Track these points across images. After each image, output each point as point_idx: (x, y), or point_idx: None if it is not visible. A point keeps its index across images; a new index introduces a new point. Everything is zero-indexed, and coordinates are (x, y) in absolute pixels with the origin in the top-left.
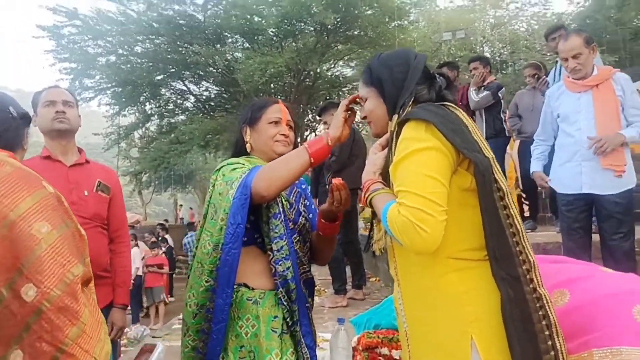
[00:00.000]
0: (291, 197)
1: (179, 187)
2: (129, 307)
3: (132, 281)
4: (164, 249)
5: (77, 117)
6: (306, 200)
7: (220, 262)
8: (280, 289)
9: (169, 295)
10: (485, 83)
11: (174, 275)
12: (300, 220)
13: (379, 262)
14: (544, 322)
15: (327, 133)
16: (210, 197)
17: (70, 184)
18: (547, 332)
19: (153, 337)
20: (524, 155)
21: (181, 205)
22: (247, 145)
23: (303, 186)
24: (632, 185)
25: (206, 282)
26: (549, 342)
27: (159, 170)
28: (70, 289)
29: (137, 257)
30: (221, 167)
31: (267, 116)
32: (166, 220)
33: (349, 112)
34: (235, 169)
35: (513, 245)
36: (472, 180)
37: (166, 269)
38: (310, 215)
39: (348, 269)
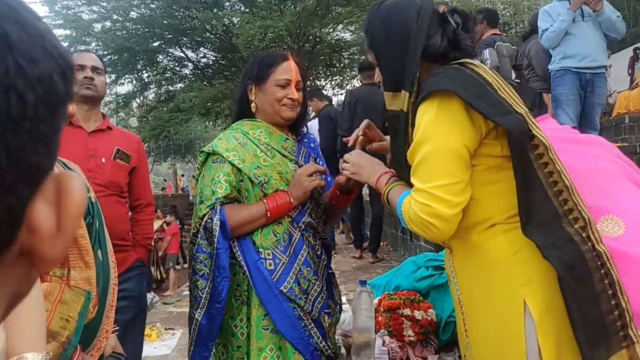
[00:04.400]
0: (300, 158)
1: (178, 156)
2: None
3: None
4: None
5: (105, 84)
6: (317, 159)
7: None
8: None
9: (183, 262)
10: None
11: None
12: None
13: (386, 227)
14: (606, 281)
15: (291, 193)
16: (197, 183)
17: (89, 151)
18: (610, 292)
19: (164, 303)
20: None
21: (182, 175)
22: (252, 105)
23: (312, 144)
24: None
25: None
26: (613, 302)
27: (159, 139)
28: None
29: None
30: (208, 154)
31: (275, 77)
32: (163, 189)
33: (314, 179)
34: (215, 177)
35: (560, 206)
36: (503, 148)
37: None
38: (322, 176)
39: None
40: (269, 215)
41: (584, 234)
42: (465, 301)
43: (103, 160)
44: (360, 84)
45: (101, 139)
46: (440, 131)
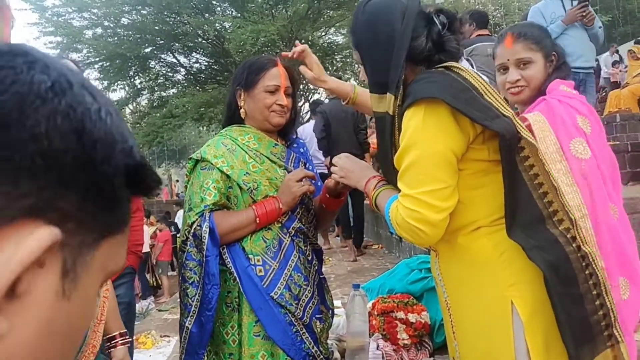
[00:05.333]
0: (289, 163)
1: (172, 162)
2: (139, 281)
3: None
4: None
5: None
6: (307, 164)
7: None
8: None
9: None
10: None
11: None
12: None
13: (381, 230)
14: (590, 282)
15: (280, 199)
16: (186, 189)
17: None
18: (595, 292)
19: (159, 310)
20: None
21: (177, 180)
22: (241, 111)
23: (302, 149)
24: None
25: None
26: (597, 302)
27: (153, 145)
28: None
29: (146, 233)
30: (197, 161)
31: (264, 83)
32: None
33: (303, 184)
34: (203, 184)
35: (545, 207)
36: (490, 152)
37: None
38: (312, 181)
39: None
40: (258, 222)
41: (569, 235)
42: (452, 304)
43: None
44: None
45: None
46: (427, 137)
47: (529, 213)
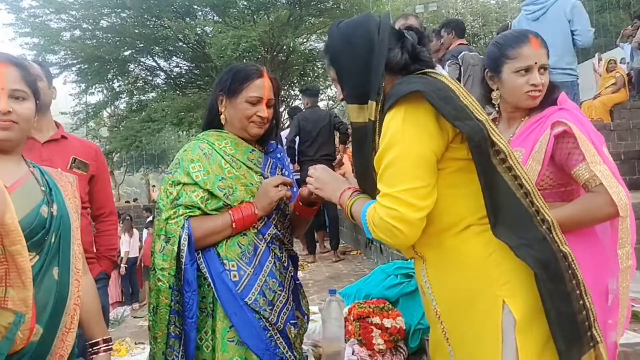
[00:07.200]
0: (266, 170)
1: (151, 167)
2: (122, 288)
3: (124, 265)
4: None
5: (47, 90)
6: (283, 170)
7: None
8: None
9: None
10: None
11: None
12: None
13: (360, 235)
14: (574, 281)
15: (256, 204)
16: (159, 199)
17: (44, 162)
18: (577, 292)
19: (134, 317)
20: None
21: (154, 185)
22: (222, 117)
23: (279, 155)
24: None
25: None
26: (580, 302)
27: (130, 149)
28: None
29: (135, 241)
30: (168, 174)
31: (247, 93)
32: (135, 200)
33: (280, 190)
34: (175, 201)
35: (528, 206)
36: (468, 151)
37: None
38: (295, 189)
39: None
40: (234, 226)
41: (551, 235)
42: (443, 311)
43: (59, 170)
44: (305, 108)
45: (56, 149)
46: (406, 136)
47: (513, 211)
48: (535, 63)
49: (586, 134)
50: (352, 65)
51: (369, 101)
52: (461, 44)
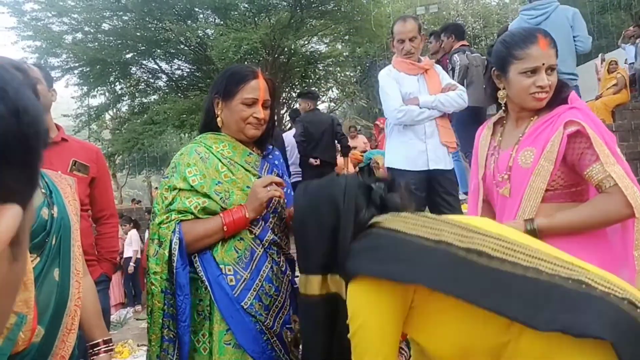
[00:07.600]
0: (263, 173)
1: (153, 169)
2: (125, 291)
3: (132, 264)
4: None
5: (47, 92)
6: (282, 175)
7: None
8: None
9: None
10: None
11: None
12: (272, 200)
13: None
14: None
15: (247, 206)
16: (155, 201)
17: (44, 164)
18: None
19: (137, 319)
20: None
21: (156, 188)
22: (218, 119)
23: (276, 162)
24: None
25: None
26: None
27: (132, 152)
28: None
29: (135, 242)
30: (165, 178)
31: (242, 95)
32: (139, 201)
33: (269, 190)
34: (170, 206)
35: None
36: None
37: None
38: (289, 191)
39: None
40: (225, 229)
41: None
42: None
43: (59, 173)
44: (303, 111)
45: (56, 152)
46: (364, 312)
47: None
48: (543, 64)
49: (599, 133)
50: (318, 237)
51: (329, 275)
52: (463, 45)
